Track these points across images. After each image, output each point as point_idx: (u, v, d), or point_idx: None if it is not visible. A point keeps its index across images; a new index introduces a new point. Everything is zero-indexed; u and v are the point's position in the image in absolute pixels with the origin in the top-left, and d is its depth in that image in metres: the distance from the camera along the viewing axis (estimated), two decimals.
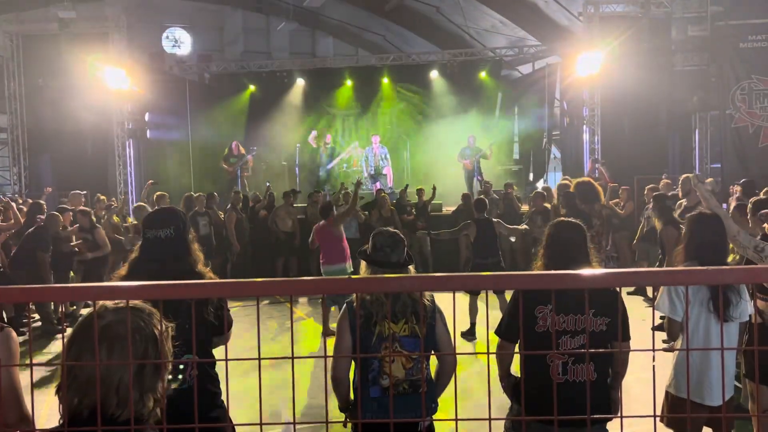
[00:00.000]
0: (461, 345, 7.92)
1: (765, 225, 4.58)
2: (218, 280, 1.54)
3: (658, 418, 3.89)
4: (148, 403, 1.55)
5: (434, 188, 13.84)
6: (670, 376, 3.82)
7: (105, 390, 1.49)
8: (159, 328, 1.60)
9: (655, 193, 8.76)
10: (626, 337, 3.37)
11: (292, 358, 1.41)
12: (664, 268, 3.22)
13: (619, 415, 1.33)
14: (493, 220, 8.74)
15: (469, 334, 8.30)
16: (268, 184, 14.83)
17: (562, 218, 3.92)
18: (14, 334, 2.57)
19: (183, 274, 3.20)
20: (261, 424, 1.47)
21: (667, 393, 3.84)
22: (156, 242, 3.35)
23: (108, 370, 1.50)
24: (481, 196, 9.92)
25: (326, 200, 12.39)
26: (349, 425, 3.47)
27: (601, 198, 8.58)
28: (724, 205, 12.42)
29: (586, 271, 1.31)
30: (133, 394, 1.51)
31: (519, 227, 9.33)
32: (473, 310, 8.32)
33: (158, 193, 12.20)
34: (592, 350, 3.29)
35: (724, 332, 3.68)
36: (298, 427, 4.90)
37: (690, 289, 3.61)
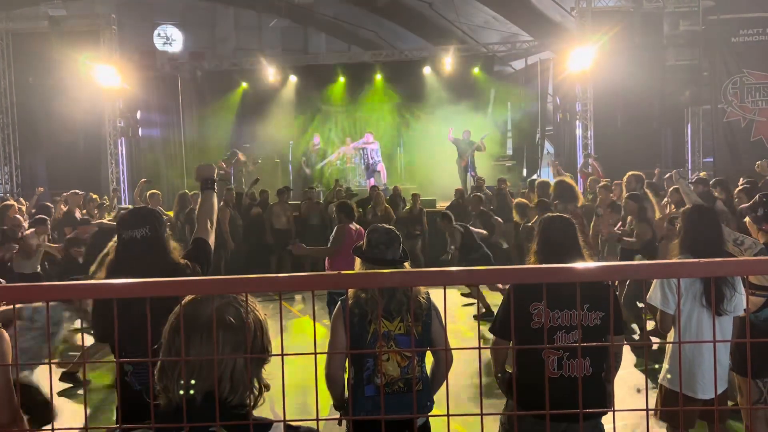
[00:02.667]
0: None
1: (746, 220, 4.58)
2: (207, 277, 1.53)
3: (651, 412, 3.91)
4: (256, 388, 1.58)
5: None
6: (664, 370, 3.83)
7: (218, 376, 1.51)
8: (261, 313, 1.62)
9: (630, 193, 8.78)
10: (620, 331, 3.37)
11: (282, 355, 1.40)
12: (658, 261, 3.22)
13: (611, 409, 1.32)
14: (468, 227, 8.81)
15: (489, 315, 8.19)
16: (257, 179, 14.76)
17: (551, 213, 3.92)
18: (6, 334, 2.55)
19: (161, 273, 3.08)
20: (251, 422, 1.46)
21: (660, 386, 3.84)
22: (132, 242, 3.31)
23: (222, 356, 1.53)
24: (478, 193, 9.93)
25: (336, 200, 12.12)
26: (344, 424, 3.46)
27: (579, 198, 8.58)
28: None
29: (579, 265, 1.31)
30: (245, 380, 1.54)
31: (483, 232, 9.39)
32: (480, 296, 8.34)
33: (151, 191, 12.15)
34: (584, 344, 3.29)
35: (717, 326, 3.69)
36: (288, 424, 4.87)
37: (683, 282, 3.60)
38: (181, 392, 1.50)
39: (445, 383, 2.27)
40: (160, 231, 3.39)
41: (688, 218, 3.96)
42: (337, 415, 3.51)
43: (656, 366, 5.18)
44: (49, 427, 2.83)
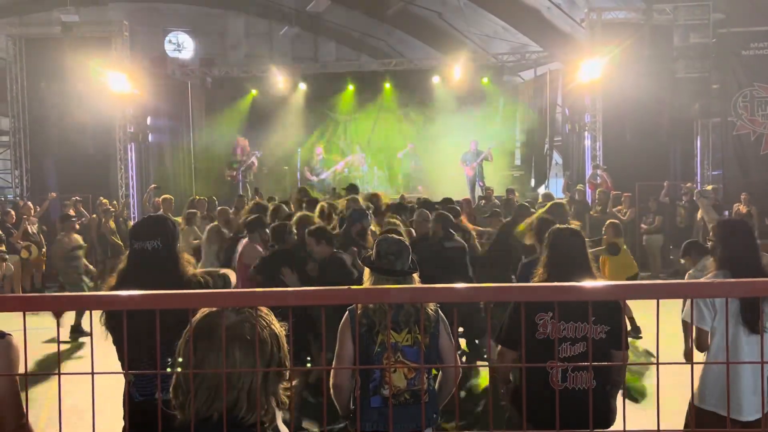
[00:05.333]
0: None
1: None
2: (218, 290, 1.52)
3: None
4: (272, 406, 1.53)
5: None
6: (696, 388, 3.61)
7: (236, 393, 1.47)
8: (277, 326, 1.58)
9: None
10: (625, 346, 3.35)
11: (291, 369, 1.39)
12: (687, 281, 3.17)
13: (622, 429, 1.31)
14: None
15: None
16: (256, 188, 14.73)
17: (560, 226, 3.90)
18: (15, 341, 2.54)
19: (168, 286, 3.15)
20: None
21: (691, 404, 3.68)
22: (143, 254, 3.31)
23: (239, 373, 1.48)
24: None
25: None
26: None
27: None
28: (726, 213, 12.41)
29: (591, 284, 1.29)
30: (261, 398, 1.50)
31: None
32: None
33: (165, 196, 12.18)
34: (596, 363, 3.26)
35: (757, 344, 3.47)
36: None
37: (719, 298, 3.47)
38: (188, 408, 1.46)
39: (455, 401, 2.25)
40: (172, 244, 3.38)
41: (719, 234, 3.82)
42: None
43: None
44: None
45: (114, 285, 3.33)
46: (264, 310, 1.57)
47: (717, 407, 3.46)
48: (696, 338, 3.64)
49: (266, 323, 1.55)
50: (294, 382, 1.54)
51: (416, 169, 19.38)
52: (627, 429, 1.45)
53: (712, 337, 3.57)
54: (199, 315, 1.52)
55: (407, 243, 3.55)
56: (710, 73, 15.27)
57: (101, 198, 13.64)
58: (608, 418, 3.37)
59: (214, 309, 1.53)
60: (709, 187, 14.11)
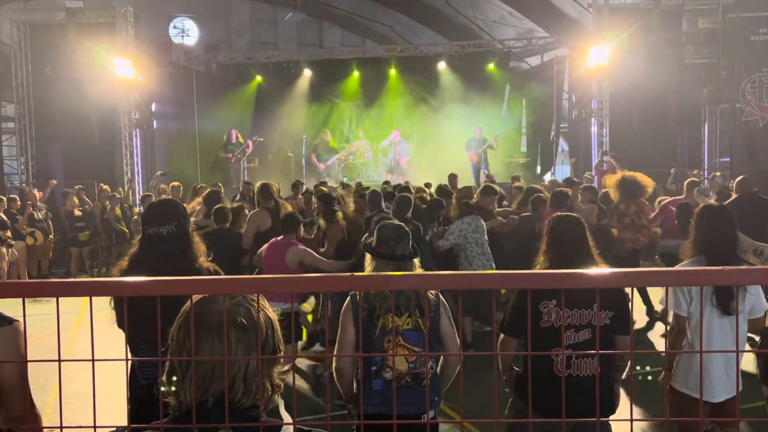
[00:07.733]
0: None
1: None
2: (218, 277, 1.50)
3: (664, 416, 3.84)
4: (267, 388, 1.54)
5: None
6: (675, 369, 3.75)
7: (231, 377, 1.48)
8: (271, 313, 1.59)
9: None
10: (628, 331, 3.36)
11: (294, 356, 1.37)
12: (680, 268, 3.18)
13: (630, 418, 1.29)
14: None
15: None
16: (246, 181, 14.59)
17: (561, 213, 3.90)
18: (21, 327, 2.54)
19: (184, 271, 3.18)
20: (261, 425, 1.44)
21: (670, 386, 3.76)
22: (157, 239, 3.32)
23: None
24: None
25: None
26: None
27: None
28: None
29: (596, 271, 1.27)
30: (258, 381, 1.50)
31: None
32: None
33: (173, 183, 12.19)
34: (602, 351, 3.26)
35: (729, 328, 3.58)
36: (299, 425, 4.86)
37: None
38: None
39: (460, 387, 2.24)
40: (185, 226, 3.40)
41: (700, 218, 3.86)
42: (346, 410, 3.52)
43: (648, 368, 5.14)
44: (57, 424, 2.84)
45: (126, 269, 3.33)
46: (253, 296, 1.56)
47: (690, 389, 3.57)
48: (675, 323, 3.72)
49: (261, 308, 1.55)
50: (287, 367, 1.52)
51: (423, 155, 19.35)
52: (634, 418, 1.44)
53: (690, 323, 3.62)
54: (192, 300, 1.52)
55: (407, 229, 3.57)
56: (719, 59, 15.13)
57: (101, 185, 13.68)
58: (612, 404, 3.39)
59: (206, 295, 1.53)
60: (718, 174, 14.03)
